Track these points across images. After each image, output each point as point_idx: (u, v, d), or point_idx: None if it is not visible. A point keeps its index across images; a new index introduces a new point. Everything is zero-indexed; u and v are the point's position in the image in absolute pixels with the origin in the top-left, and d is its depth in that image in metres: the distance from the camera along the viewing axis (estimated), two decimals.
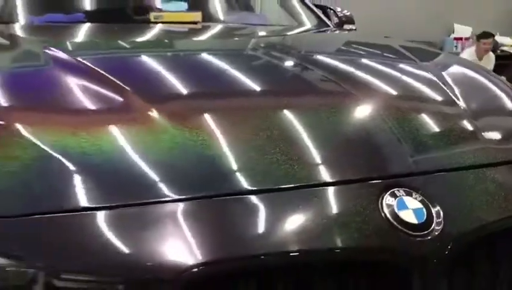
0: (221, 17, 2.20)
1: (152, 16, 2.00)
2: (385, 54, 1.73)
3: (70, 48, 1.57)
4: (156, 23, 1.95)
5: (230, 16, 2.24)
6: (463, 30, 7.61)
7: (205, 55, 1.53)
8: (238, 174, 0.82)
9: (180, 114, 0.99)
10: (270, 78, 1.27)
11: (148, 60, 1.42)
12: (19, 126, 0.90)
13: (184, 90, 1.18)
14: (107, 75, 1.14)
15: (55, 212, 0.73)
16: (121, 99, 1.06)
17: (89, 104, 1.05)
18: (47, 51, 1.41)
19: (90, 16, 1.94)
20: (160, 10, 2.09)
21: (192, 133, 0.90)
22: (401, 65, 1.55)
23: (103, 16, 1.99)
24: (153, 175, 0.79)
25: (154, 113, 0.97)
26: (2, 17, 1.92)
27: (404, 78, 1.43)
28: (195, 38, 1.94)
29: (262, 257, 0.71)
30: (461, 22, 7.69)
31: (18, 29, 1.82)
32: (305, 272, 0.74)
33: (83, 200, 0.74)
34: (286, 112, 1.07)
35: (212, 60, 1.46)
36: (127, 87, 1.08)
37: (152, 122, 0.95)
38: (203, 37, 1.96)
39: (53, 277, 0.69)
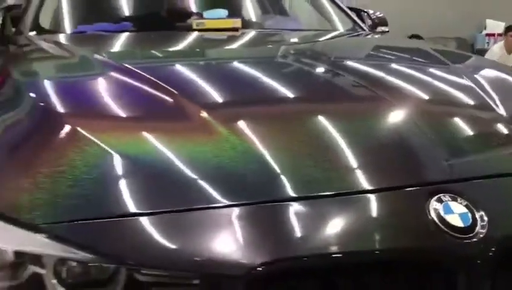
0: (258, 23, 2.26)
1: (194, 23, 2.09)
2: (421, 59, 1.77)
3: (121, 56, 1.66)
4: (198, 30, 2.04)
5: (267, 22, 2.30)
6: (495, 25, 7.50)
7: (251, 62, 1.60)
8: (297, 180, 0.88)
9: (232, 120, 1.06)
10: (315, 84, 1.34)
11: (198, 67, 1.51)
12: (94, 134, 0.98)
13: (233, 97, 1.26)
14: (160, 82, 1.22)
15: (136, 215, 0.81)
16: (176, 106, 1.14)
17: (148, 112, 1.13)
18: (100, 59, 1.51)
19: (135, 25, 2.04)
20: (201, 18, 2.17)
21: (245, 141, 0.97)
22: (438, 70, 1.58)
23: (147, 24, 2.08)
24: (218, 181, 0.86)
25: (207, 120, 1.05)
26: (52, 26, 2.04)
27: (441, 83, 1.46)
28: (239, 45, 2.00)
29: (321, 257, 0.78)
30: (494, 17, 7.57)
31: (68, 38, 1.92)
32: (359, 272, 0.81)
33: (160, 204, 0.83)
34: (330, 119, 1.12)
35: (258, 67, 1.53)
36: (180, 95, 1.16)
37: (206, 128, 1.02)
38: (246, 44, 2.02)
39: (134, 272, 0.77)
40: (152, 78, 1.25)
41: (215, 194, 0.85)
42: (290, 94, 1.28)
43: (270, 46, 2.00)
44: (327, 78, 1.46)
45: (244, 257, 0.76)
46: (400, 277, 0.83)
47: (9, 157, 0.96)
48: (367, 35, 2.31)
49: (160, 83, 1.21)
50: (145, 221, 0.81)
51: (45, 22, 2.04)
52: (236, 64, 1.61)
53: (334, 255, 0.78)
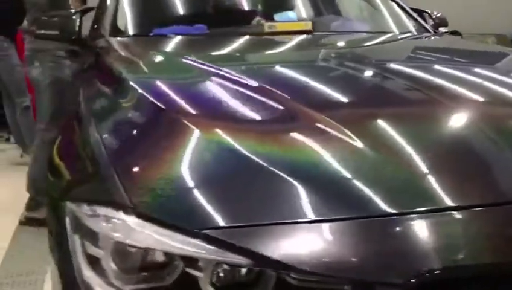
0: (326, 24, 2.28)
1: (266, 26, 2.11)
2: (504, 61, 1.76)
3: (211, 59, 1.69)
4: (270, 34, 2.07)
5: (335, 24, 2.31)
6: None
7: (346, 65, 1.63)
8: (451, 188, 0.90)
9: (356, 125, 1.07)
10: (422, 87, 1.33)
11: (298, 71, 1.54)
12: (237, 141, 1.00)
13: (345, 101, 1.28)
14: (273, 88, 1.25)
15: (290, 223, 0.84)
16: (293, 111, 1.16)
17: (272, 119, 1.16)
18: (190, 62, 1.55)
19: (209, 28, 2.07)
20: (273, 20, 2.20)
21: (380, 147, 0.98)
22: None
23: (220, 27, 2.11)
24: (367, 190, 0.88)
25: (329, 123, 1.06)
26: (128, 29, 2.09)
27: None
28: (324, 48, 2.03)
29: (480, 266, 0.79)
30: None
31: (154, 41, 1.97)
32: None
33: (315, 212, 0.85)
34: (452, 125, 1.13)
35: (355, 70, 1.55)
36: (294, 99, 1.19)
37: (332, 132, 1.04)
38: (329, 46, 2.04)
39: (288, 277, 0.81)
40: (263, 84, 1.28)
41: (366, 203, 0.87)
42: (396, 98, 1.29)
43: (357, 48, 2.01)
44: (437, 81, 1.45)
45: (406, 265, 0.79)
46: None
47: (158, 163, 0.98)
48: (436, 36, 2.32)
49: (273, 88, 1.25)
50: (299, 228, 0.84)
51: (122, 25, 2.08)
52: (333, 66, 1.63)
53: (489, 265, 0.80)
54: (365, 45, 2.07)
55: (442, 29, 2.66)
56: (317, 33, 2.10)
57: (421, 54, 1.91)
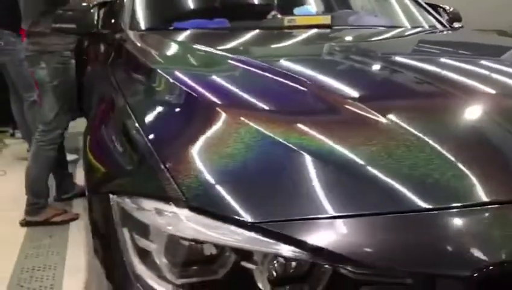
0: (345, 19, 2.27)
1: (285, 20, 2.11)
2: None
3: (241, 51, 1.69)
4: (290, 27, 2.07)
5: (352, 18, 2.31)
6: None
7: (374, 58, 1.63)
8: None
9: (399, 117, 1.07)
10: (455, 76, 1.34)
11: (329, 64, 1.55)
12: (287, 135, 1.00)
13: (389, 95, 1.28)
14: (302, 78, 1.26)
15: (348, 216, 0.84)
16: (329, 102, 1.16)
17: (318, 113, 1.16)
18: (222, 55, 1.54)
19: (231, 21, 2.06)
20: (291, 14, 2.20)
21: (428, 140, 0.98)
22: None
23: (240, 20, 2.11)
24: (423, 184, 0.88)
25: (368, 114, 1.07)
26: (150, 23, 2.07)
27: None
28: (349, 41, 2.02)
29: None
30: None
31: (178, 35, 1.95)
32: None
33: (372, 205, 0.85)
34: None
35: (384, 62, 1.56)
36: (330, 91, 1.19)
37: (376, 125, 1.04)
38: (353, 40, 2.04)
39: (344, 270, 0.80)
40: (301, 77, 1.28)
41: (425, 196, 0.86)
42: (432, 94, 1.28)
43: (380, 42, 2.01)
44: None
45: (472, 258, 0.78)
46: None
47: (208, 155, 0.97)
48: (454, 30, 2.32)
49: (307, 79, 1.26)
50: (356, 221, 0.83)
51: (142, 18, 2.07)
52: (362, 59, 1.64)
53: None
54: (389, 38, 2.07)
55: (456, 24, 2.66)
56: (337, 27, 2.10)
57: (445, 48, 1.92)
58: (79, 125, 3.81)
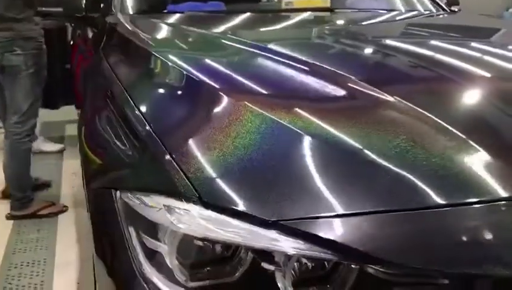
0: (344, 2, 2.21)
1: (283, 2, 2.03)
2: None
3: (240, 35, 1.61)
4: (287, 10, 1.99)
5: (351, 1, 2.24)
6: None
7: (388, 42, 1.57)
8: None
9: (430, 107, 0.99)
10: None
11: (343, 50, 1.47)
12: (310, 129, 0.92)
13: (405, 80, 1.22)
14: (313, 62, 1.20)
15: (374, 212, 0.76)
16: (352, 89, 1.09)
17: (323, 95, 1.09)
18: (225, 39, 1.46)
19: (226, 4, 1.98)
20: None
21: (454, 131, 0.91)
22: None
23: (237, 3, 2.02)
24: (454, 179, 0.81)
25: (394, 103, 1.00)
26: (143, 5, 1.98)
27: None
28: (357, 25, 1.94)
29: None
30: None
31: (173, 18, 1.85)
32: None
33: (401, 202, 0.77)
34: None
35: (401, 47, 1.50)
36: (345, 77, 1.13)
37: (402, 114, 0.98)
38: (359, 23, 1.96)
39: (372, 269, 0.74)
40: (318, 63, 1.22)
41: (456, 192, 0.79)
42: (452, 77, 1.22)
43: (384, 25, 1.95)
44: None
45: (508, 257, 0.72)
46: None
47: (222, 149, 0.87)
48: (454, 14, 2.27)
49: (318, 63, 1.20)
50: (383, 219, 0.76)
51: (132, 1, 1.97)
52: (374, 43, 1.57)
53: None
54: (393, 21, 2.01)
55: (454, 8, 2.61)
56: (338, 10, 2.03)
57: (446, 30, 1.86)
58: (63, 113, 3.70)
